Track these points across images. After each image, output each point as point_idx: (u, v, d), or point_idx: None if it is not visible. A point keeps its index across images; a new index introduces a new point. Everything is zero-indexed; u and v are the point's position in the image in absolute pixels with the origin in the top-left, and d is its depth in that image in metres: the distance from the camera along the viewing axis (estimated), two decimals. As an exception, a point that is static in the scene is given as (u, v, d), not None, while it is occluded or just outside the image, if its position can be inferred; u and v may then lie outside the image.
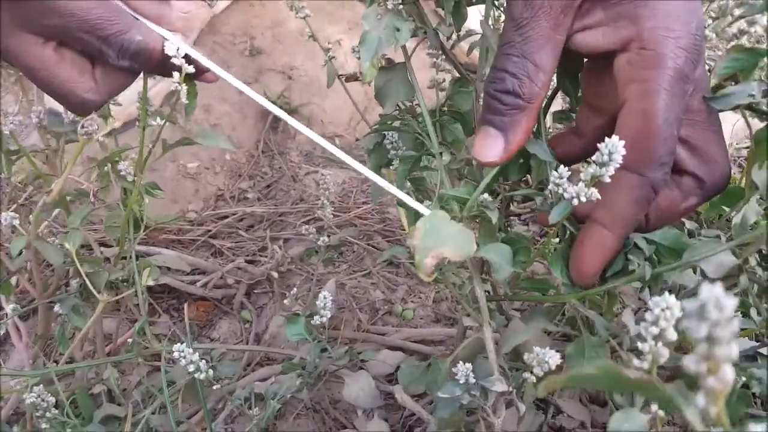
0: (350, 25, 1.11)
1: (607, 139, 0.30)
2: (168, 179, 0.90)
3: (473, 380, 0.38)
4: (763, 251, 0.37)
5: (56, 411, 0.50)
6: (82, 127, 0.44)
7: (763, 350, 0.40)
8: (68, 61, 0.34)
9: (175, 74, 0.36)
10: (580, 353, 0.37)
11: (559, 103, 0.77)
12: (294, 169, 0.95)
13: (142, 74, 0.40)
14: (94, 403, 0.58)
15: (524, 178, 0.45)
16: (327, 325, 0.52)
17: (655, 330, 0.24)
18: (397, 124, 0.52)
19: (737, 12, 0.47)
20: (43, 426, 0.51)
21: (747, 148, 0.91)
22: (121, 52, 0.34)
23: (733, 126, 0.92)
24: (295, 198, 0.90)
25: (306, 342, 0.53)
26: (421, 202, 0.50)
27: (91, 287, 0.53)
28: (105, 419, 0.54)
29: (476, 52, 0.50)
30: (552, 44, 0.32)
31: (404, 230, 0.77)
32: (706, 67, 0.39)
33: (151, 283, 0.58)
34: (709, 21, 0.47)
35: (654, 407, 0.30)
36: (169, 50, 0.34)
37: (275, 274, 0.75)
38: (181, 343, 0.46)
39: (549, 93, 0.44)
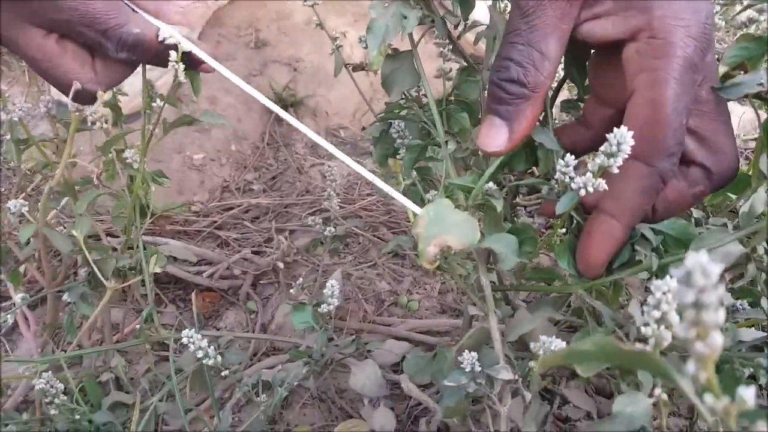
0: (356, 17, 1.10)
1: (615, 129, 0.30)
2: (174, 171, 0.90)
3: (479, 369, 0.38)
4: None
5: (65, 398, 0.51)
6: (77, 110, 0.45)
7: None
8: (69, 53, 0.36)
9: (172, 53, 0.36)
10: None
11: (565, 94, 0.77)
12: (299, 160, 0.95)
13: (141, 66, 0.40)
14: (102, 390, 0.58)
15: (530, 170, 0.45)
16: (333, 315, 0.52)
17: (656, 313, 0.25)
18: (403, 113, 0.52)
19: (746, 1, 0.47)
20: (52, 412, 0.51)
21: (754, 139, 0.91)
22: (119, 45, 0.35)
23: (740, 117, 0.92)
24: (300, 190, 0.90)
25: (312, 331, 0.54)
26: (427, 191, 0.50)
27: (99, 275, 0.53)
28: (113, 406, 0.55)
29: (482, 44, 0.50)
30: (558, 33, 0.32)
31: (409, 222, 0.77)
32: (716, 57, 0.39)
33: (158, 270, 0.58)
34: (717, 8, 0.47)
35: (657, 391, 0.30)
36: (164, 34, 0.35)
37: (281, 265, 0.75)
38: (189, 329, 0.46)
39: (556, 82, 0.43)
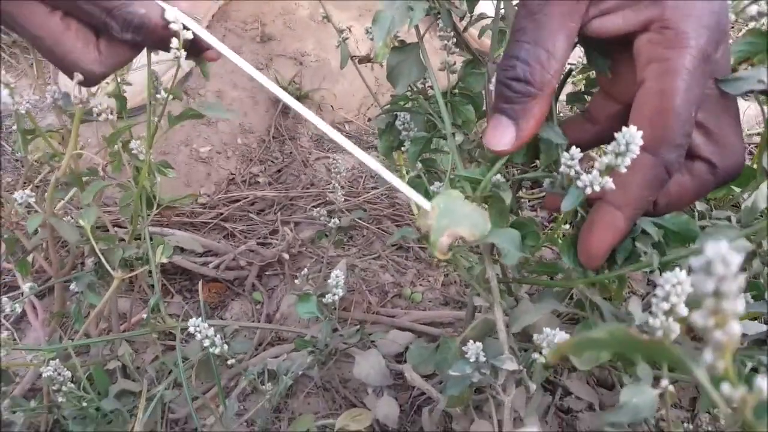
0: (360, 12, 1.10)
1: (624, 128, 0.29)
2: (181, 163, 0.91)
3: (483, 359, 0.37)
4: None
5: (72, 385, 0.52)
6: (81, 101, 0.45)
7: None
8: (73, 31, 0.35)
9: (173, 40, 0.35)
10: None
11: (569, 87, 0.77)
12: (304, 154, 0.95)
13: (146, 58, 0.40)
14: (109, 378, 0.59)
15: (533, 164, 0.45)
16: (337, 305, 0.52)
17: (665, 305, 0.25)
18: (408, 105, 0.52)
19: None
20: (60, 400, 0.52)
21: (759, 134, 0.91)
22: (124, 25, 0.34)
23: (744, 113, 0.91)
24: (305, 182, 0.91)
25: (317, 321, 0.54)
26: (432, 183, 0.51)
27: (106, 264, 0.54)
28: (120, 394, 0.56)
29: (485, 39, 0.50)
30: (565, 31, 0.32)
31: (413, 214, 0.78)
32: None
33: (164, 260, 0.58)
34: (729, 1, 0.47)
35: (664, 382, 0.30)
36: (170, 16, 0.34)
37: (286, 256, 0.75)
38: (196, 318, 0.46)
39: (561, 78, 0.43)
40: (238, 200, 0.87)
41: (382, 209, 0.86)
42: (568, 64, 0.40)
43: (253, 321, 0.73)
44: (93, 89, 0.55)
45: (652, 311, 0.26)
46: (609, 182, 0.31)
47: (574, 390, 0.57)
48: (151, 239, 0.57)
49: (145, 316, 0.54)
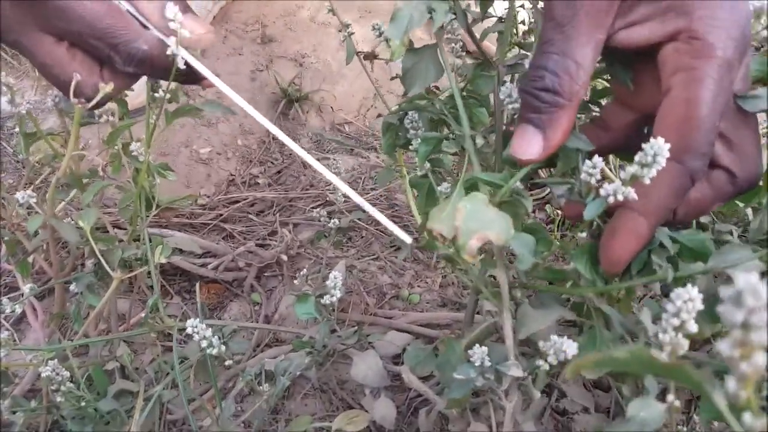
0: (361, 13, 1.11)
1: (652, 139, 0.29)
2: (181, 164, 0.91)
3: (488, 363, 0.37)
4: None
5: (71, 385, 0.52)
6: (80, 102, 0.46)
7: None
8: (78, 61, 0.36)
9: (171, 39, 0.36)
10: (593, 344, 0.37)
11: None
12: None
13: None
14: (108, 379, 0.59)
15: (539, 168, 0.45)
16: (336, 307, 0.52)
17: (676, 321, 0.25)
18: (421, 104, 0.51)
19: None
20: (59, 399, 0.52)
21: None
22: (127, 59, 0.36)
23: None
24: (305, 184, 0.91)
25: (315, 322, 0.54)
26: (439, 183, 0.50)
27: (105, 265, 0.54)
28: (118, 394, 0.56)
29: (486, 42, 0.50)
30: (593, 43, 0.32)
31: (413, 216, 0.78)
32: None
33: (163, 260, 0.59)
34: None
35: (670, 397, 0.30)
36: (169, 13, 0.35)
37: (285, 257, 0.76)
38: (194, 319, 0.47)
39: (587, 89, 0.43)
40: (237, 201, 0.88)
41: (381, 210, 0.86)
42: None
43: (252, 321, 0.73)
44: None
45: (662, 326, 0.25)
46: (632, 192, 0.31)
47: (570, 392, 0.58)
48: (150, 240, 0.57)
49: (144, 316, 0.55)
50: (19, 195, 0.54)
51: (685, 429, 0.45)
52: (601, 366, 0.20)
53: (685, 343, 0.25)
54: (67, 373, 0.52)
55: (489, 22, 0.51)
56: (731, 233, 0.50)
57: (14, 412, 0.54)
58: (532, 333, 0.40)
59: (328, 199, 0.87)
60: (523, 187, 0.38)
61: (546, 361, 0.36)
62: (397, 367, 0.59)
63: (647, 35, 0.32)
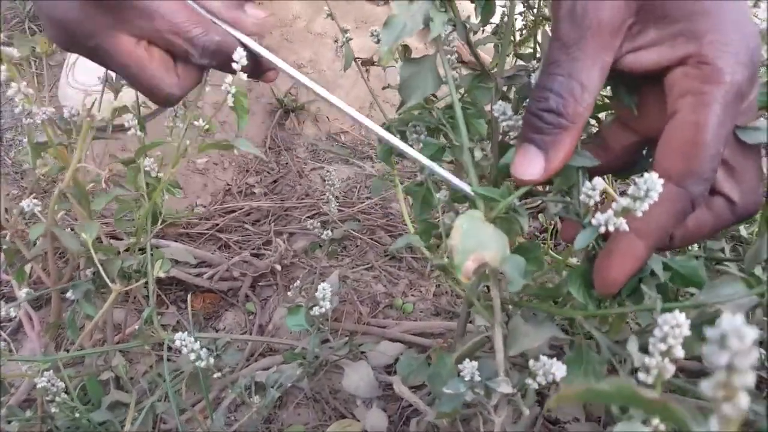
0: (357, 23, 1.12)
1: (647, 174, 0.29)
2: (178, 174, 0.92)
3: (478, 378, 0.37)
4: None
5: (66, 396, 0.52)
6: (89, 115, 0.47)
7: None
8: (156, 59, 0.38)
9: (228, 78, 0.39)
10: (579, 364, 0.37)
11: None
12: (300, 164, 0.96)
13: None
14: (103, 389, 0.60)
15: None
16: (329, 316, 0.53)
17: (662, 346, 0.25)
18: (419, 114, 0.51)
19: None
20: (53, 410, 0.53)
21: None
22: (203, 52, 0.38)
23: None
24: (300, 193, 0.92)
25: (307, 333, 0.55)
26: (437, 191, 0.51)
27: (104, 276, 0.55)
28: (112, 405, 0.56)
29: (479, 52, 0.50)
30: (599, 66, 0.32)
31: (406, 225, 0.78)
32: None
33: (162, 275, 0.60)
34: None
35: (655, 421, 0.30)
36: (235, 56, 0.38)
37: (279, 267, 0.76)
38: (183, 332, 0.47)
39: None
40: (233, 211, 0.89)
41: (375, 220, 0.87)
42: None
43: (246, 331, 0.73)
44: (96, 105, 0.57)
45: (649, 350, 0.26)
46: (623, 224, 0.31)
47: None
48: (151, 251, 0.58)
49: (137, 328, 0.55)
50: (24, 203, 0.55)
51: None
52: (584, 399, 0.21)
53: (672, 368, 0.25)
54: (61, 384, 0.52)
55: (488, 28, 0.51)
56: (723, 251, 0.50)
57: (9, 422, 0.55)
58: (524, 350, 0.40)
59: (322, 209, 0.87)
60: (519, 203, 0.38)
61: (534, 380, 0.36)
62: (390, 377, 0.60)
63: (656, 59, 0.32)
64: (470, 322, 0.55)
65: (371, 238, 0.84)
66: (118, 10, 0.35)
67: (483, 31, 0.48)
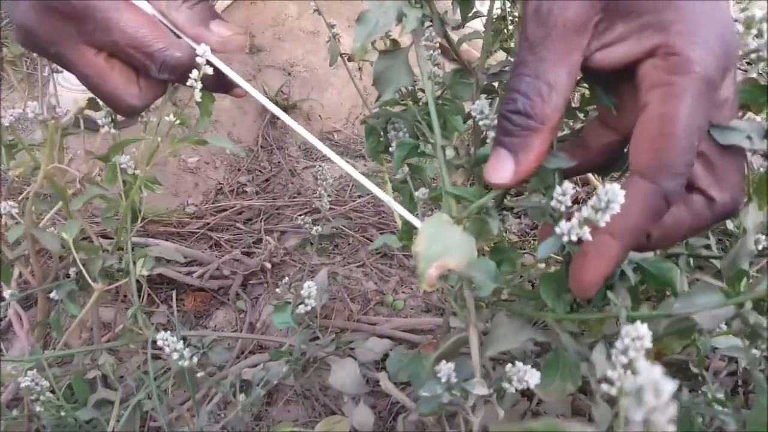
0: (350, 22, 1.12)
1: (608, 185, 0.28)
2: (169, 173, 0.92)
3: (455, 380, 0.37)
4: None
5: (51, 395, 0.52)
6: (54, 117, 0.47)
7: None
8: (117, 70, 0.38)
9: (194, 72, 0.38)
10: (556, 366, 0.37)
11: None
12: (292, 163, 0.96)
13: None
14: (90, 388, 0.60)
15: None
16: (318, 314, 0.53)
17: (624, 359, 0.24)
18: (397, 110, 0.51)
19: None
20: (38, 409, 0.52)
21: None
22: (161, 67, 0.38)
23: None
24: (292, 192, 0.91)
25: (296, 330, 0.54)
26: (417, 188, 0.50)
27: (86, 275, 0.54)
28: (99, 403, 0.56)
29: (469, 48, 0.50)
30: (567, 64, 0.31)
31: (396, 222, 0.78)
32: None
33: (144, 272, 0.59)
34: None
35: None
36: (199, 50, 0.38)
37: (268, 265, 0.76)
38: (166, 331, 0.47)
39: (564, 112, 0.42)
40: (225, 210, 0.88)
41: (367, 217, 0.87)
42: None
43: (237, 329, 0.73)
44: (71, 105, 0.57)
45: (612, 361, 0.25)
46: (587, 233, 0.30)
47: (547, 398, 0.57)
48: (133, 249, 0.57)
49: (122, 327, 0.55)
50: (2, 205, 0.55)
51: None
52: None
53: (634, 382, 0.25)
54: (46, 383, 0.52)
55: (478, 23, 0.50)
56: (708, 247, 0.49)
57: (-3, 421, 0.55)
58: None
59: (314, 206, 0.87)
60: (493, 205, 0.37)
61: (511, 384, 0.35)
62: (377, 374, 0.59)
63: (625, 54, 0.31)
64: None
65: (363, 236, 0.84)
66: (77, 22, 0.35)
67: (463, 26, 0.48)
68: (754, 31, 0.38)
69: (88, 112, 0.57)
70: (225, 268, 0.78)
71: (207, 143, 0.46)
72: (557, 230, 0.31)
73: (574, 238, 0.30)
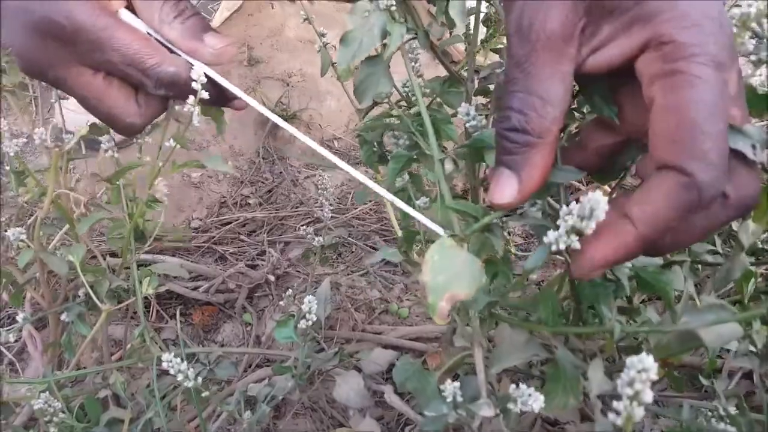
0: (343, 30, 1.12)
1: (590, 194, 0.28)
2: (173, 188, 0.93)
3: (460, 399, 0.37)
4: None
5: (64, 415, 0.53)
6: (57, 145, 0.47)
7: None
8: (115, 89, 0.38)
9: (190, 97, 0.39)
10: (558, 379, 0.36)
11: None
12: (294, 173, 0.97)
13: None
14: (102, 407, 0.61)
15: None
16: (323, 325, 0.53)
17: (629, 391, 0.24)
18: (389, 121, 0.51)
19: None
20: (51, 430, 0.54)
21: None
22: (157, 83, 0.38)
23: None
24: (295, 202, 0.92)
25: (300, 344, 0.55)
26: (417, 197, 0.50)
27: (94, 297, 0.56)
28: (110, 422, 0.57)
29: (459, 46, 0.50)
30: (558, 76, 0.31)
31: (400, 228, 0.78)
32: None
33: (150, 291, 0.60)
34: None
35: None
36: (193, 74, 0.38)
37: (272, 278, 0.77)
38: (175, 346, 0.48)
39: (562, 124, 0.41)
40: (229, 222, 0.89)
41: (370, 225, 0.87)
42: None
43: (244, 343, 0.74)
44: (73, 129, 0.58)
45: (618, 392, 0.25)
46: (575, 241, 0.29)
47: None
48: (140, 267, 0.58)
49: (128, 347, 0.56)
50: (10, 232, 0.56)
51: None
52: None
53: (641, 413, 0.25)
54: (58, 404, 0.53)
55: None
56: (713, 252, 0.48)
57: (13, 442, 0.56)
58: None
59: (317, 215, 0.88)
60: (497, 220, 0.36)
61: (516, 405, 0.35)
62: (383, 387, 0.60)
63: (617, 53, 0.30)
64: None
65: (366, 244, 0.85)
66: (71, 44, 0.36)
67: (451, 34, 0.47)
68: (749, 33, 0.37)
69: (61, 124, 0.58)
70: (230, 281, 0.79)
71: (203, 167, 0.47)
72: (545, 239, 0.30)
73: (562, 246, 0.30)
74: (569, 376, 0.37)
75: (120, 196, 0.55)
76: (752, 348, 0.39)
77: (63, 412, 0.54)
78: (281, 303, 0.65)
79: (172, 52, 0.39)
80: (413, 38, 0.44)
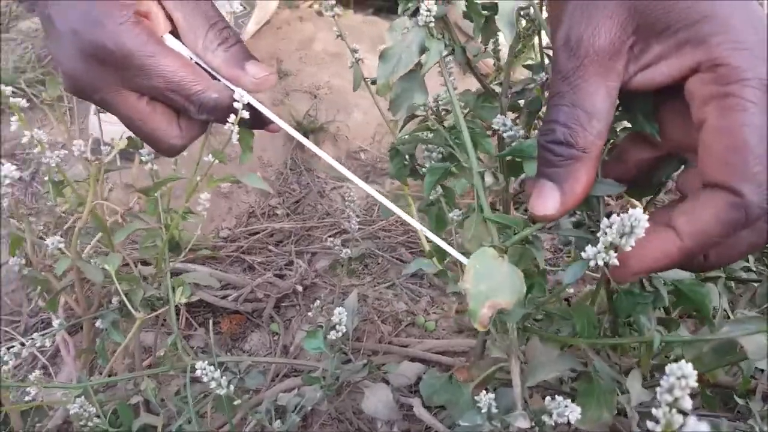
0: (374, 44, 1.13)
1: (631, 210, 0.28)
2: (203, 199, 0.95)
3: (495, 410, 0.37)
4: None
5: (98, 420, 0.55)
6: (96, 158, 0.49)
7: None
8: (158, 112, 0.40)
9: (231, 116, 0.40)
10: (592, 393, 0.37)
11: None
12: (321, 184, 0.98)
13: None
14: (134, 413, 0.62)
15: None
16: (350, 336, 0.53)
17: (669, 398, 0.24)
18: (425, 135, 0.51)
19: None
20: (86, 435, 0.55)
21: None
22: (200, 108, 0.40)
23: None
24: (321, 213, 0.93)
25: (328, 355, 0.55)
26: (450, 210, 0.50)
27: (128, 305, 0.57)
28: (142, 429, 0.58)
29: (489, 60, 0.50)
30: (603, 91, 0.31)
31: (428, 241, 0.79)
32: None
33: (183, 300, 0.61)
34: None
35: None
36: (236, 95, 0.40)
37: (300, 288, 0.77)
38: (204, 353, 0.48)
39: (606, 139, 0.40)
40: (257, 232, 0.90)
41: (396, 237, 0.88)
42: None
43: (271, 352, 0.75)
44: (108, 140, 0.59)
45: (657, 400, 0.25)
46: (614, 258, 0.30)
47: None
48: (171, 277, 0.60)
49: (160, 355, 0.57)
50: (49, 240, 0.58)
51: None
52: None
53: (680, 419, 0.24)
54: (93, 409, 0.54)
55: None
56: (747, 270, 0.47)
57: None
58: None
59: (343, 227, 0.88)
60: (537, 233, 0.36)
61: (551, 418, 0.35)
62: (411, 399, 0.60)
63: (667, 73, 0.31)
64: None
65: (392, 256, 0.85)
66: (119, 69, 0.37)
67: (485, 49, 0.48)
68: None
69: (96, 133, 0.60)
70: (258, 291, 0.79)
71: (239, 183, 0.48)
72: (583, 255, 0.31)
73: (600, 262, 0.30)
74: (604, 389, 0.37)
75: (156, 208, 0.57)
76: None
77: (97, 416, 0.55)
78: (309, 314, 0.65)
79: (212, 76, 0.40)
80: (450, 54, 0.45)
